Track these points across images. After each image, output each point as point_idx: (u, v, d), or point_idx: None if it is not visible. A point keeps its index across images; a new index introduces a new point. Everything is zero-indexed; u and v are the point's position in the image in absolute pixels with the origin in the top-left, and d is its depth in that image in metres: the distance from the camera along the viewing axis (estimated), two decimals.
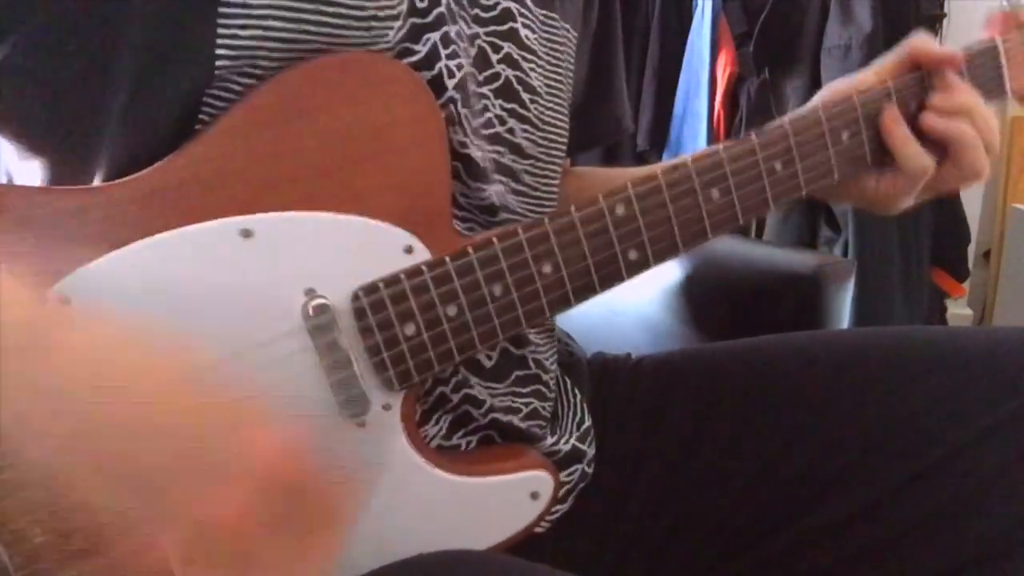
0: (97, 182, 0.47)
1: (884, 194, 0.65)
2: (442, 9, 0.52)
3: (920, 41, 0.64)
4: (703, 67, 1.83)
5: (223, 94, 0.47)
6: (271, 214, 0.46)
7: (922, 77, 0.63)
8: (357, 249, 0.48)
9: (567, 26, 0.62)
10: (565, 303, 0.52)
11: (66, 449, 0.29)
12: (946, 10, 1.84)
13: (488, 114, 0.55)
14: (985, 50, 0.66)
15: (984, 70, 0.66)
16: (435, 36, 0.51)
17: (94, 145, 0.47)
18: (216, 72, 0.46)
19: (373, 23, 0.49)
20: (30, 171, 0.49)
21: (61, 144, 0.48)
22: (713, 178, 0.55)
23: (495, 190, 0.55)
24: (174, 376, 0.33)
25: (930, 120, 0.62)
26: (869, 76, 0.64)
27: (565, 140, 0.63)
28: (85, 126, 0.47)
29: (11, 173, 0.51)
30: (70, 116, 0.47)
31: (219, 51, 0.46)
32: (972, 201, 2.11)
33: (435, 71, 0.51)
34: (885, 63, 0.65)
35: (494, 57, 0.56)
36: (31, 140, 0.48)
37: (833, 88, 0.64)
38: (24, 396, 0.29)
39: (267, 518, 0.32)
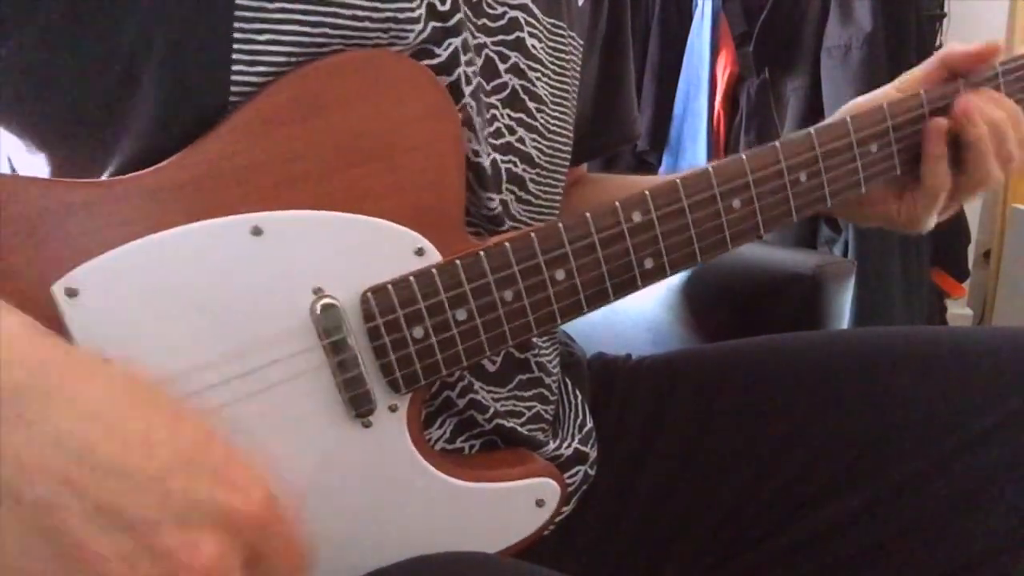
0: (106, 176, 0.47)
1: (907, 215, 0.65)
2: (461, 15, 0.51)
3: (952, 47, 0.63)
4: (703, 67, 1.83)
5: (241, 100, 0.46)
6: (282, 212, 0.46)
7: (958, 89, 0.62)
8: (367, 250, 0.47)
9: (574, 35, 0.62)
10: (577, 310, 0.51)
11: (57, 492, 0.30)
12: (946, 10, 1.84)
13: (497, 123, 0.55)
14: (1022, 64, 0.65)
15: (1021, 83, 0.65)
16: (456, 42, 0.51)
17: (108, 143, 0.47)
18: (232, 77, 0.45)
19: (391, 25, 0.48)
20: (35, 164, 0.49)
21: (73, 141, 0.47)
22: (735, 187, 0.54)
23: (499, 199, 0.55)
24: (165, 421, 0.33)
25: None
26: (891, 91, 0.63)
27: (569, 149, 0.62)
28: (99, 124, 0.47)
29: (15, 166, 0.51)
30: (83, 115, 0.47)
31: (235, 55, 0.45)
32: (972, 201, 2.11)
33: (454, 76, 0.51)
34: (910, 76, 0.64)
35: (502, 67, 0.55)
36: (42, 136, 0.48)
37: (858, 102, 0.63)
38: (19, 437, 0.30)
39: (246, 562, 0.33)
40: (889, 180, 0.62)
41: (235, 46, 0.45)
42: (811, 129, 0.57)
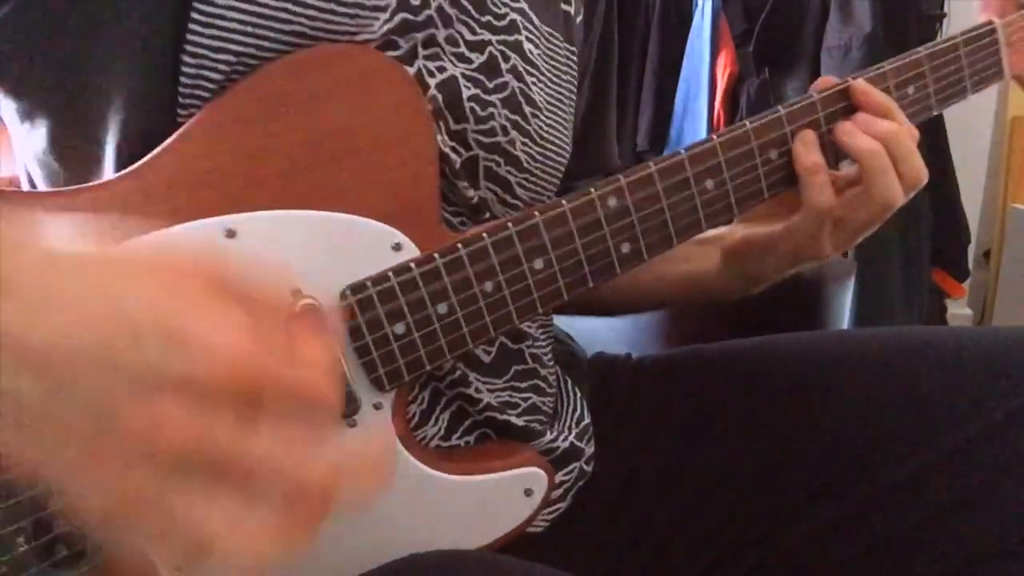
0: (109, 157, 0.47)
1: (792, 241, 0.59)
2: (431, 12, 0.51)
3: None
4: (703, 67, 1.83)
5: (202, 81, 0.46)
6: (256, 213, 0.45)
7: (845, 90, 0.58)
8: (344, 247, 0.47)
9: (571, 49, 0.62)
10: (557, 297, 0.52)
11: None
12: (946, 10, 1.84)
13: (493, 122, 0.54)
14: (983, 33, 0.65)
15: (983, 53, 0.65)
16: (419, 36, 0.51)
17: (96, 116, 0.47)
18: (187, 36, 0.45)
19: (359, 11, 0.48)
20: (31, 136, 0.50)
21: (60, 108, 0.48)
22: (707, 168, 0.54)
23: (480, 196, 0.54)
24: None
25: (843, 135, 0.56)
26: None
27: (564, 158, 0.62)
28: (85, 95, 0.47)
29: (14, 141, 0.52)
30: (69, 83, 0.47)
31: (192, 14, 0.45)
32: (972, 201, 2.11)
33: (414, 69, 0.51)
34: None
35: (504, 66, 0.55)
36: (31, 101, 0.49)
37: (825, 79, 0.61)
38: None
39: (233, 426, 0.29)
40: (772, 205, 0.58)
41: (194, 3, 0.45)
42: (780, 107, 0.57)
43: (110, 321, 0.28)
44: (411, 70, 0.50)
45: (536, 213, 0.50)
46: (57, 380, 0.28)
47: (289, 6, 0.46)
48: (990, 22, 0.66)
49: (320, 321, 0.34)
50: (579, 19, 0.64)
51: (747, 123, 0.56)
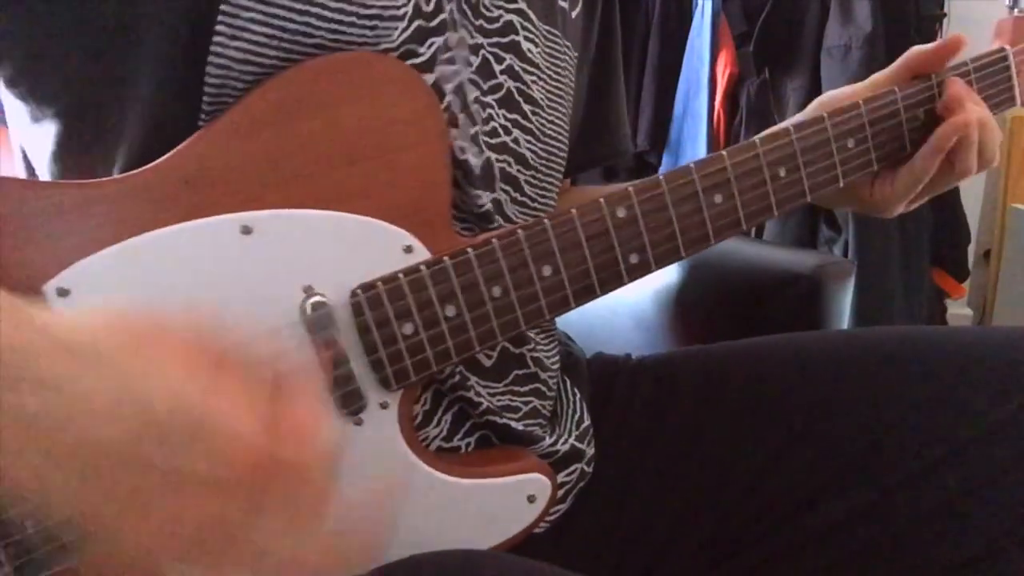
0: (122, 158, 0.48)
1: (881, 199, 0.65)
2: (445, 16, 0.52)
3: (916, 49, 0.64)
4: (703, 67, 1.83)
5: (227, 90, 0.47)
6: (271, 211, 0.46)
7: (930, 86, 0.63)
8: (356, 247, 0.48)
9: (568, 44, 0.63)
10: (564, 305, 0.52)
11: (45, 469, 0.31)
12: (946, 10, 1.84)
13: (493, 123, 0.55)
14: (995, 59, 0.66)
15: (994, 80, 0.65)
16: (438, 40, 0.52)
17: (114, 120, 0.48)
18: (212, 48, 0.46)
19: (377, 22, 0.49)
20: (40, 137, 0.50)
21: (75, 112, 0.49)
22: (716, 183, 0.55)
23: (491, 198, 0.55)
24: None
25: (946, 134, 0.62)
26: (862, 88, 0.64)
27: (565, 154, 0.63)
28: (104, 100, 0.48)
29: (23, 145, 0.52)
30: (88, 89, 0.48)
31: (218, 26, 0.46)
32: (972, 201, 2.11)
33: (435, 74, 0.51)
34: (879, 76, 0.65)
35: (497, 68, 0.56)
36: (44, 103, 0.49)
37: (832, 96, 0.64)
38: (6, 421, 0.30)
39: (244, 509, 0.34)
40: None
41: (220, 17, 0.46)
42: (790, 125, 0.58)
43: (137, 418, 0.32)
44: (431, 76, 0.51)
45: (545, 220, 0.51)
46: (90, 473, 0.31)
47: (311, 20, 0.47)
48: (1002, 49, 0.66)
49: (306, 383, 0.38)
50: (574, 13, 0.65)
51: (756, 142, 0.57)
